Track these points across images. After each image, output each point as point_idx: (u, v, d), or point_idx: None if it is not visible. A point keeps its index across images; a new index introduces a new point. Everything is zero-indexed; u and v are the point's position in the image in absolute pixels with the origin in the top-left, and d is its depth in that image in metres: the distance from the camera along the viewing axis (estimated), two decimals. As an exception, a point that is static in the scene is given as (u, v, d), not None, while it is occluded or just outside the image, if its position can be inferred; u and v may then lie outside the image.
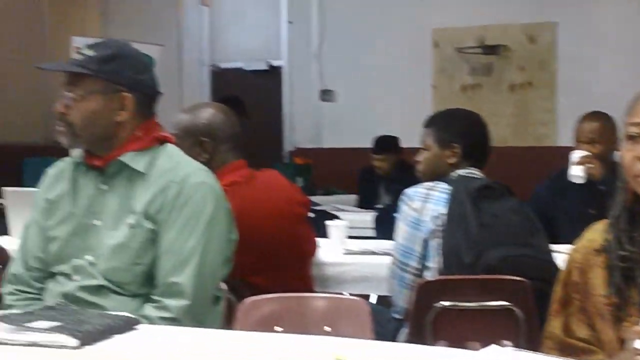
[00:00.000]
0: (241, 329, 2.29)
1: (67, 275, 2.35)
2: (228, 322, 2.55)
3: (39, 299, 2.41)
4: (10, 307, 2.39)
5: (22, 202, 3.93)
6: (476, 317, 2.71)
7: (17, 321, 1.86)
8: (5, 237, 4.02)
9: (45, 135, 8.67)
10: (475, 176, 3.01)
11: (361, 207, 6.34)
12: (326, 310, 2.34)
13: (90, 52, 2.39)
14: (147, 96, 2.42)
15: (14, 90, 7.99)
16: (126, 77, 2.37)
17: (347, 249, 3.62)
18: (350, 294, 3.30)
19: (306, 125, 8.98)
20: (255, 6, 9.10)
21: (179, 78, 8.98)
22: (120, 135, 2.38)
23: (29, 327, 1.83)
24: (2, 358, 1.75)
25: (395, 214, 4.40)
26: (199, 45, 9.35)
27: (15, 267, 2.48)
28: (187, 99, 8.76)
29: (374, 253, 3.54)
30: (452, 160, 3.04)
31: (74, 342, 1.78)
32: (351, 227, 3.87)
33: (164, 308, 2.24)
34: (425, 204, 2.91)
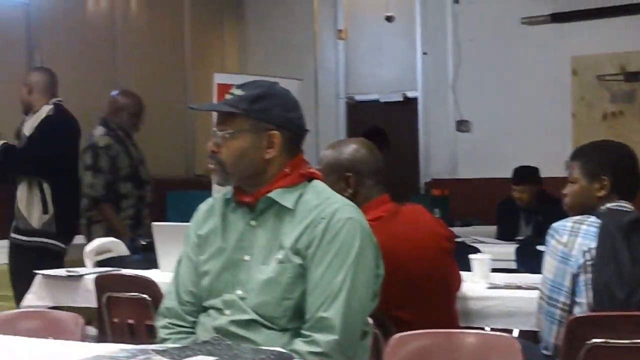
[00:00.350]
0: (390, 365, 2.28)
1: (218, 310, 2.40)
2: (374, 356, 2.55)
3: (192, 332, 2.46)
4: (164, 340, 2.46)
5: (170, 237, 4.06)
6: (631, 355, 2.62)
7: (176, 355, 1.90)
8: (154, 270, 4.14)
9: (187, 169, 8.94)
10: (625, 209, 2.93)
11: (501, 239, 6.25)
12: (476, 346, 2.31)
13: (239, 92, 2.45)
14: (295, 134, 2.47)
15: (158, 126, 8.26)
16: (275, 115, 2.42)
17: (491, 282, 3.57)
18: (492, 329, 3.26)
19: (442, 156, 8.94)
20: (390, 38, 9.15)
21: (316, 111, 9.11)
22: (269, 172, 2.42)
23: (187, 362, 1.87)
24: (162, 391, 1.80)
25: (537, 246, 4.31)
26: (335, 78, 9.47)
27: (168, 301, 2.54)
28: (323, 132, 8.88)
29: (519, 287, 3.48)
30: (601, 193, 2.97)
31: (230, 376, 1.81)
32: (492, 259, 3.81)
33: (314, 343, 2.26)
34: (574, 238, 2.85)
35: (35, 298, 4.07)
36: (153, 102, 8.46)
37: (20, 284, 5.02)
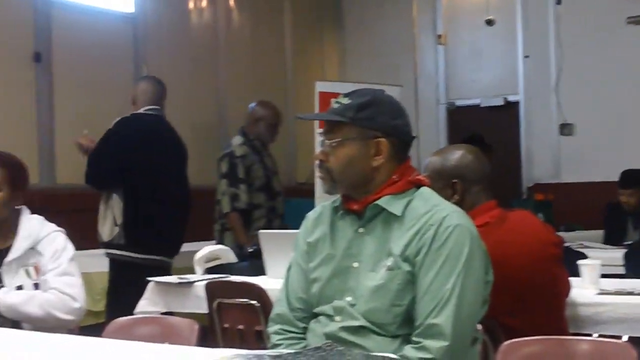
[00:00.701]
0: (500, 372, 2.27)
1: (329, 316, 2.43)
2: (484, 363, 2.55)
3: (303, 338, 2.50)
4: (275, 346, 2.50)
5: (276, 244, 4.13)
6: None
7: (290, 361, 1.94)
8: (262, 277, 4.21)
9: (289, 177, 9.03)
10: None
11: (608, 244, 6.12)
12: (589, 353, 2.27)
13: (346, 100, 2.48)
14: (402, 141, 2.48)
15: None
16: (381, 123, 2.44)
17: (601, 288, 3.51)
18: (600, 335, 3.20)
19: (545, 160, 8.82)
20: (490, 42, 9.08)
21: (416, 117, 9.10)
22: (377, 179, 2.44)
23: (301, 367, 1.90)
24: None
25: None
26: (434, 84, 9.45)
27: (279, 307, 2.58)
28: (423, 138, 8.86)
29: (630, 293, 3.41)
30: None
31: (344, 382, 1.83)
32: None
33: (424, 349, 2.26)
34: (688, 242, 2.78)
35: (148, 304, 4.18)
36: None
37: (108, 293, 5.13)
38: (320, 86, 6.82)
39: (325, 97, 6.59)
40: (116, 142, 5.01)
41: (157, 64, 7.61)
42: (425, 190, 2.47)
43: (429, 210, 2.38)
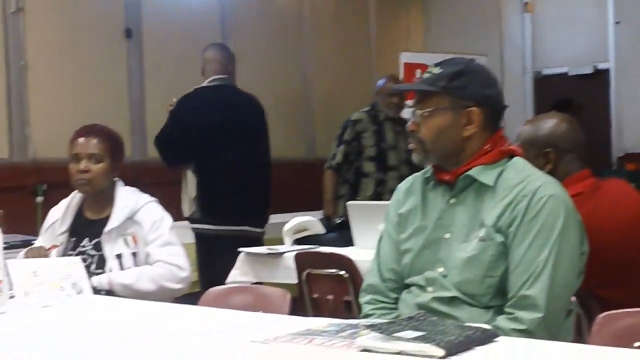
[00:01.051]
0: (596, 344, 2.23)
1: (420, 287, 2.44)
2: (576, 335, 2.51)
3: (394, 309, 2.52)
4: (367, 316, 2.52)
5: (365, 215, 4.15)
6: None
7: (384, 330, 1.95)
8: (350, 248, 4.23)
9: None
10: None
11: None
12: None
13: (437, 70, 2.47)
14: (494, 110, 2.47)
15: (344, 105, 8.39)
16: (473, 92, 2.43)
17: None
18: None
19: (636, 129, 8.61)
20: (579, 9, 8.88)
21: (502, 86, 8.97)
22: (468, 149, 2.43)
23: (396, 337, 1.91)
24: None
25: None
26: (521, 53, 9.29)
27: (371, 278, 2.60)
28: (509, 108, 8.70)
29: None
30: None
31: (439, 352, 1.83)
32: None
33: (518, 320, 2.25)
34: None
35: (239, 274, 4.26)
36: (340, 82, 8.63)
37: (197, 264, 5.19)
38: (405, 57, 6.80)
39: (410, 67, 6.57)
40: (177, 121, 5.04)
41: (244, 37, 7.68)
42: (518, 160, 2.45)
43: (522, 181, 2.36)
